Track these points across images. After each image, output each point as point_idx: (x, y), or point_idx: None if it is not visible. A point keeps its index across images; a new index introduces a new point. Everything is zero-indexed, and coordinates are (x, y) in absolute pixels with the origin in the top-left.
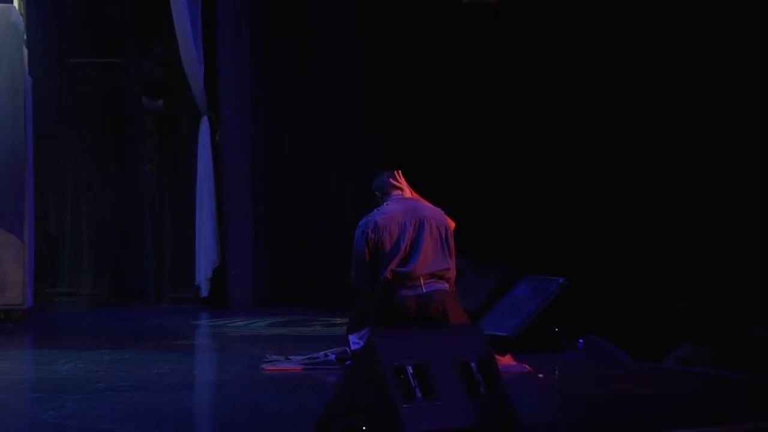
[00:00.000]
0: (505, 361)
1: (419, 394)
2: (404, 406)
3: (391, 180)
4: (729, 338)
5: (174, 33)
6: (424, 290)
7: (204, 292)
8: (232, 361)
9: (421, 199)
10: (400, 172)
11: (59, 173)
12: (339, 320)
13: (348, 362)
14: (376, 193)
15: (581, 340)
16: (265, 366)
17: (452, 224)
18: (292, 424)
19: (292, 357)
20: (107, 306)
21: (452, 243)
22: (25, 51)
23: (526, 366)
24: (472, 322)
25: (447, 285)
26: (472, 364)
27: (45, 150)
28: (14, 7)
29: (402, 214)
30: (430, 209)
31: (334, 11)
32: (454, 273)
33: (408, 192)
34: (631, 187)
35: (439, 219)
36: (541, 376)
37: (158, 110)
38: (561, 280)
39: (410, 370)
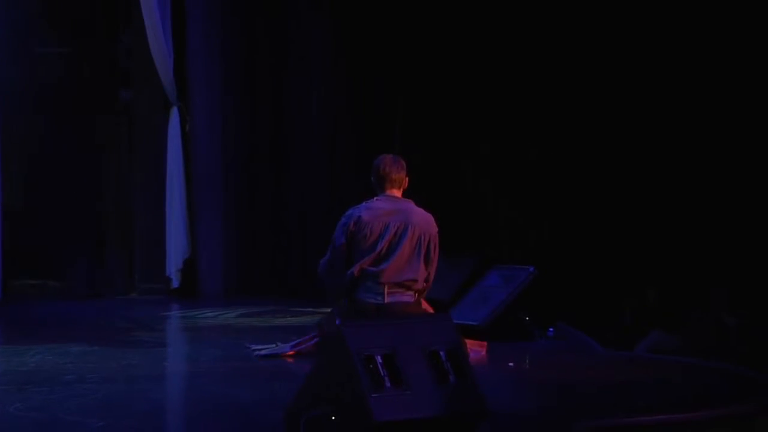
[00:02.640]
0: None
1: (388, 384)
2: (373, 395)
3: (392, 175)
4: (698, 326)
5: (143, 22)
6: (386, 300)
7: (174, 283)
8: (202, 352)
9: (411, 201)
10: (404, 165)
11: (27, 164)
12: (309, 310)
13: None
14: (372, 177)
15: (551, 329)
16: (257, 355)
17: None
18: (261, 414)
19: (279, 344)
20: (76, 297)
21: (433, 254)
22: None
23: (482, 351)
24: (443, 311)
25: (412, 296)
26: (441, 353)
27: (13, 140)
28: None
29: (388, 214)
30: (418, 215)
31: (305, 2)
32: (425, 284)
33: (404, 185)
34: (601, 176)
35: (425, 227)
36: (511, 364)
37: (127, 100)
38: (531, 269)
39: (379, 359)
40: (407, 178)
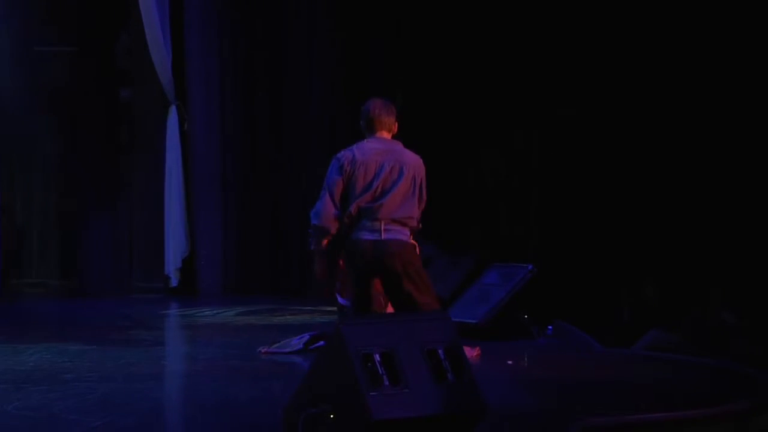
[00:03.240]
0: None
1: (386, 382)
2: (371, 393)
3: (382, 118)
4: (696, 324)
5: (141, 21)
6: (383, 237)
7: (173, 282)
8: (201, 351)
9: (400, 143)
10: (394, 110)
11: (25, 162)
12: (308, 309)
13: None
14: (361, 121)
15: (550, 327)
16: (261, 349)
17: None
18: (260, 413)
19: (285, 341)
20: (75, 296)
21: (425, 193)
22: None
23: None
24: (442, 309)
25: (408, 234)
26: (440, 352)
27: (11, 139)
28: None
29: (382, 155)
30: (409, 155)
31: (304, 0)
32: (418, 224)
33: (393, 130)
34: (600, 173)
35: (417, 167)
36: (510, 362)
37: (126, 99)
38: (530, 267)
39: (377, 357)
40: (397, 123)
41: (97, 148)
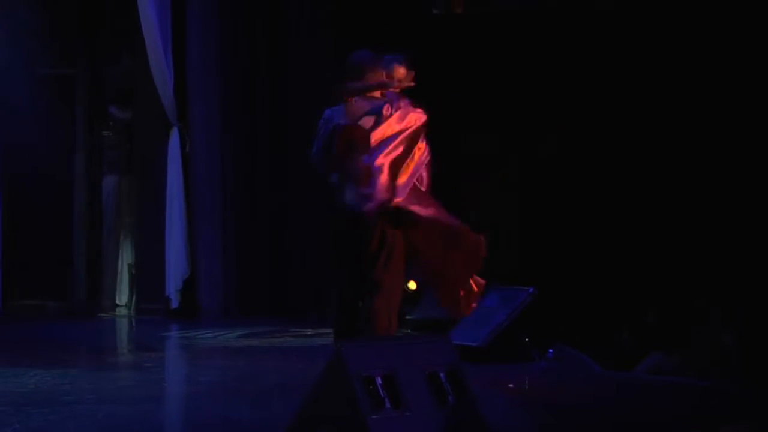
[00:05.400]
0: None
1: (388, 405)
2: (372, 416)
3: (372, 73)
4: (697, 346)
5: (143, 43)
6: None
7: (174, 303)
8: (202, 373)
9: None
10: (381, 64)
11: (28, 184)
12: (310, 331)
13: None
14: (348, 75)
15: (551, 350)
16: None
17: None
18: None
19: None
20: (76, 318)
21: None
22: None
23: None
24: (442, 333)
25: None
26: (441, 375)
27: (13, 160)
28: None
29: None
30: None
31: (305, 21)
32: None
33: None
34: (598, 195)
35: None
36: (511, 385)
37: (127, 120)
38: (531, 289)
39: (379, 380)
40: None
41: (97, 169)
